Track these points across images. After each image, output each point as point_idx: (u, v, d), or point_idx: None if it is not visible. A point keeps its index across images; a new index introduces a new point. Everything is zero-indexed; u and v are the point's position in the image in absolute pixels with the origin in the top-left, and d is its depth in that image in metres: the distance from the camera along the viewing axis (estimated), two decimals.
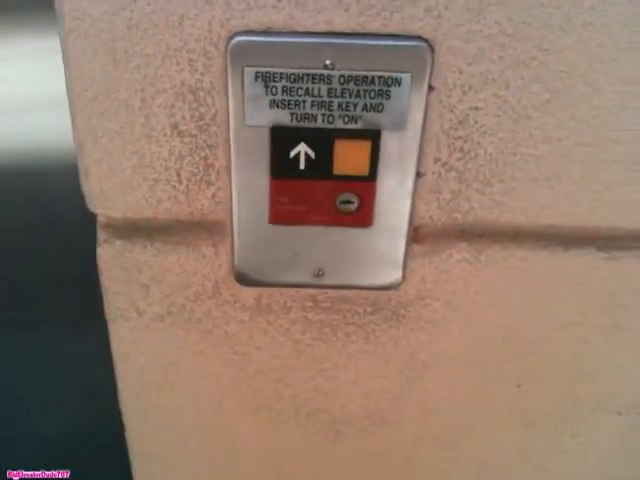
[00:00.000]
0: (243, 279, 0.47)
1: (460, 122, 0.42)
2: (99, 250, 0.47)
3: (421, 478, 0.58)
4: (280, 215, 0.45)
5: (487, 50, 0.40)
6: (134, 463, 0.57)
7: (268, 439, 0.55)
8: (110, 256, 0.47)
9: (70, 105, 0.43)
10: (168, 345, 0.51)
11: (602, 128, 0.42)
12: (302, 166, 0.43)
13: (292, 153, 0.42)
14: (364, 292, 0.48)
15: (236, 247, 0.46)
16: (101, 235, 0.47)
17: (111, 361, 0.51)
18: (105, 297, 0.49)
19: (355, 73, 0.40)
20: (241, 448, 0.56)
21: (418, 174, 0.44)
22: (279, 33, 0.40)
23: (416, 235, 0.46)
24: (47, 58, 0.61)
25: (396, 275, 0.47)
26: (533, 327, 0.50)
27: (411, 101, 0.41)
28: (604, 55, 0.41)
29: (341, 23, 0.40)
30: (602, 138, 0.43)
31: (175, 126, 0.43)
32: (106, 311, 0.49)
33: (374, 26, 0.40)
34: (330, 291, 0.48)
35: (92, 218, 0.47)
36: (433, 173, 0.44)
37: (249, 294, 0.48)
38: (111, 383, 0.75)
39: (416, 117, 0.41)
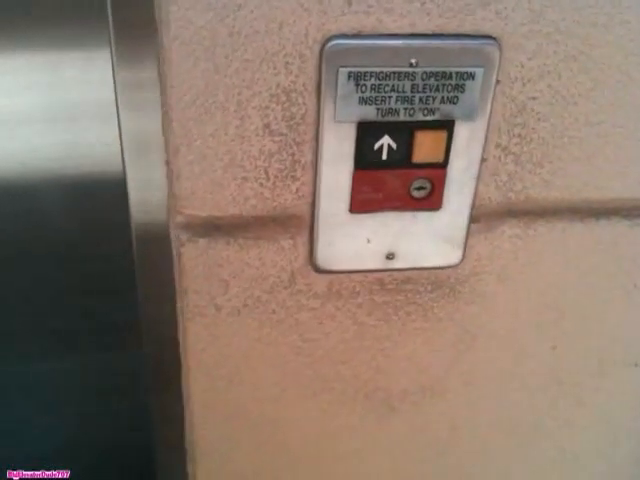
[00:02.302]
0: (321, 268, 0.51)
1: (519, 111, 0.48)
2: (182, 250, 0.49)
3: (463, 444, 0.63)
4: (360, 204, 0.48)
5: (544, 46, 0.46)
6: (196, 457, 0.59)
7: (326, 422, 0.59)
8: (194, 255, 0.49)
9: (166, 111, 0.45)
10: (241, 338, 0.53)
11: (633, 110, 0.49)
12: (384, 157, 0.47)
13: (376, 145, 0.46)
14: (425, 272, 0.53)
15: (317, 237, 0.49)
16: (183, 235, 0.49)
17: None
18: (184, 297, 0.51)
19: (436, 69, 0.45)
20: (299, 433, 0.59)
21: (482, 159, 0.49)
22: (369, 36, 0.44)
23: (473, 215, 0.51)
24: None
25: (458, 254, 0.52)
26: (568, 292, 0.56)
27: (482, 93, 0.46)
28: (636, 48, 0.47)
29: (423, 25, 0.44)
30: (633, 119, 0.50)
31: (267, 126, 0.46)
32: (184, 310, 0.51)
33: (451, 27, 0.45)
34: (396, 273, 0.52)
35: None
36: (494, 157, 0.49)
37: (322, 282, 0.52)
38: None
39: (485, 107, 0.47)
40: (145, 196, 0.50)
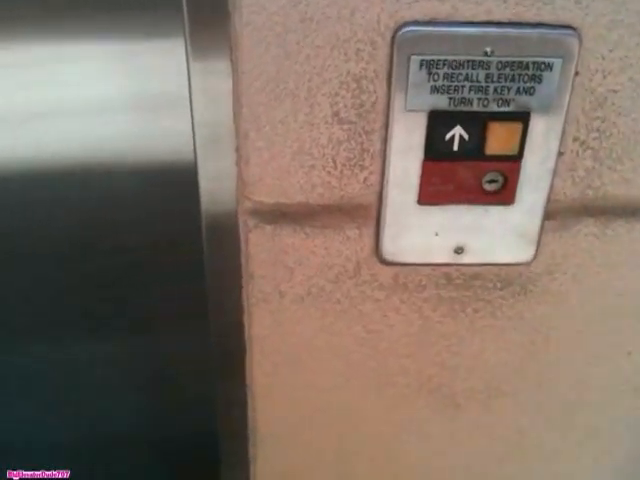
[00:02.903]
0: (387, 259, 0.50)
1: (599, 104, 0.46)
2: (250, 235, 0.49)
3: (529, 448, 0.61)
4: (429, 195, 0.48)
5: (626, 38, 0.44)
6: (257, 442, 0.59)
7: (390, 416, 0.58)
8: (260, 241, 0.49)
9: (237, 96, 0.45)
10: (304, 326, 0.53)
11: None
12: (455, 148, 0.46)
13: (447, 136, 0.45)
14: (495, 268, 0.51)
15: (383, 228, 0.49)
16: (250, 221, 0.49)
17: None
18: (249, 281, 0.51)
19: (511, 59, 0.44)
20: (363, 425, 0.59)
21: (558, 153, 0.47)
22: (443, 23, 0.43)
23: (548, 212, 0.50)
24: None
25: (531, 251, 0.50)
26: None
27: (560, 85, 0.44)
28: None
29: (499, 13, 0.43)
30: None
31: (337, 114, 0.45)
32: (248, 295, 0.52)
33: (528, 16, 0.43)
34: (464, 268, 0.51)
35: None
36: (571, 152, 0.47)
37: (387, 273, 0.51)
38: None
39: (563, 100, 0.45)
40: (215, 185, 0.51)
